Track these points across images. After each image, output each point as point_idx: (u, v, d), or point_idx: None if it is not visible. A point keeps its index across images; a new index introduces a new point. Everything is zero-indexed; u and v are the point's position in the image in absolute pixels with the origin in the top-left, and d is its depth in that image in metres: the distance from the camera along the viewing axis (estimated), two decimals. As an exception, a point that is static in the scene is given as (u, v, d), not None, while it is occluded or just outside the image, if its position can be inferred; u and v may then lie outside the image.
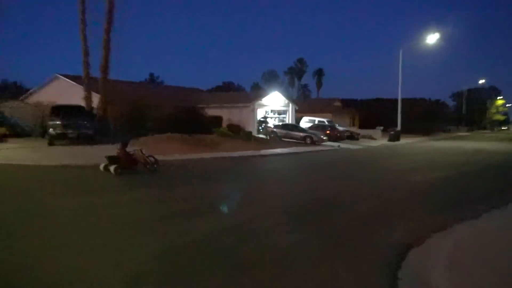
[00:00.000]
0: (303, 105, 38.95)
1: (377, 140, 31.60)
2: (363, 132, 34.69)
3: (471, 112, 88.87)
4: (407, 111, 37.06)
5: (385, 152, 21.40)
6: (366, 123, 42.36)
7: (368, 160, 16.98)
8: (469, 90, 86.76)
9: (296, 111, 34.00)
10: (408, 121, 38.00)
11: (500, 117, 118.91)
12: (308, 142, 25.17)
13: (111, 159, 11.99)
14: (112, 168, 11.71)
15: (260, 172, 12.44)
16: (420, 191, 9.73)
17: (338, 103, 48.83)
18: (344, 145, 25.46)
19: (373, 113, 46.03)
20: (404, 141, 32.76)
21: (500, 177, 12.84)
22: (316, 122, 32.33)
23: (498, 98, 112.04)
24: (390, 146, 27.34)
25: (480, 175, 12.85)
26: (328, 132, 28.02)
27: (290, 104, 33.67)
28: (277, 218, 6.72)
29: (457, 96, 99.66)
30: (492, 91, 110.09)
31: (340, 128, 31.23)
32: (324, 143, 25.07)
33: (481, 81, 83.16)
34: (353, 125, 44.51)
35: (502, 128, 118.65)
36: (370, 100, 58.33)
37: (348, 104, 51.14)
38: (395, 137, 31.84)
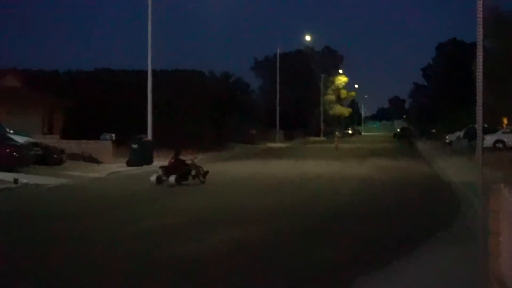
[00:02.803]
0: None
1: (104, 165, 31.65)
2: (75, 145, 33.86)
3: (291, 99, 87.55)
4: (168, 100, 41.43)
5: (111, 196, 20.76)
6: (85, 126, 41.39)
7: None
8: (284, 56, 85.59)
9: None
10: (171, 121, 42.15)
11: (343, 110, 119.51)
12: None
13: (167, 169, 20.71)
14: (172, 178, 20.04)
15: None
16: None
17: (14, 82, 43.90)
18: (31, 178, 24.29)
19: (94, 104, 44.44)
20: (162, 163, 33.24)
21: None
22: None
23: (339, 73, 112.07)
24: (129, 177, 27.94)
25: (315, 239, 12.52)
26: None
27: None
28: None
29: (264, 66, 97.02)
30: (328, 58, 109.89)
31: (19, 139, 29.03)
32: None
33: (308, 38, 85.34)
34: (51, 130, 42.76)
35: (347, 131, 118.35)
36: (89, 74, 52.91)
37: (41, 84, 45.03)
38: (140, 158, 31.99)
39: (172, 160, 20.77)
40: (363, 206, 17.76)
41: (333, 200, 19.04)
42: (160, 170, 20.58)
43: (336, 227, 13.83)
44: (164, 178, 20.06)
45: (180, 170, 20.56)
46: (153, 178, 20.50)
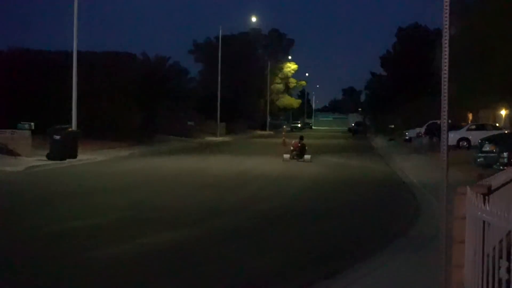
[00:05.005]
0: None
1: (22, 158, 30.93)
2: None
3: (234, 88, 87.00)
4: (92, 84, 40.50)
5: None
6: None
7: None
8: (227, 39, 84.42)
9: None
10: (96, 108, 41.58)
11: (291, 101, 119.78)
12: None
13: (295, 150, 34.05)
14: (308, 156, 33.75)
15: None
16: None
17: None
18: None
19: (10, 89, 42.85)
20: (87, 157, 33.46)
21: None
22: None
23: (288, 59, 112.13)
24: (49, 172, 27.03)
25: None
26: None
27: None
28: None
29: (204, 49, 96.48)
30: (276, 42, 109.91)
31: None
32: None
33: (254, 19, 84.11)
34: None
35: (296, 125, 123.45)
36: (3, 55, 51.34)
37: None
38: (63, 150, 31.47)
39: (299, 144, 33.58)
40: (311, 207, 18.07)
41: (276, 200, 19.37)
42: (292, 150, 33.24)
43: (278, 229, 14.11)
44: (294, 156, 32.67)
45: (303, 150, 33.43)
46: (286, 156, 32.66)
